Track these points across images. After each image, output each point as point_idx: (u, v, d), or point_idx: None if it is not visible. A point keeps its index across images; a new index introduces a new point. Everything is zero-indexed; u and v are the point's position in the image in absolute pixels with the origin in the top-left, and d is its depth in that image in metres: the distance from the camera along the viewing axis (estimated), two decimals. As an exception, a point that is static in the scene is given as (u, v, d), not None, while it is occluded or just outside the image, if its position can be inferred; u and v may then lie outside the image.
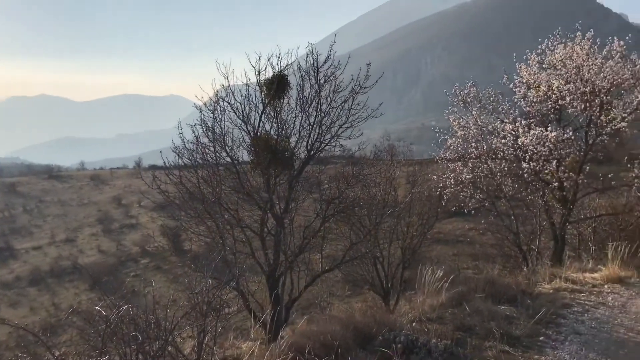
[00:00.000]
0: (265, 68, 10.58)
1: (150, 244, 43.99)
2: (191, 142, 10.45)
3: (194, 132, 10.49)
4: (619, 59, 12.69)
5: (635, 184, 12.96)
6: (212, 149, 10.28)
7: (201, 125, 10.42)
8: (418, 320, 6.73)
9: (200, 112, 10.46)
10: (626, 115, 12.62)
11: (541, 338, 6.36)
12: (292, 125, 10.74)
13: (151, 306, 4.82)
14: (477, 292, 7.76)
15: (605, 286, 9.41)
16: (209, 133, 10.34)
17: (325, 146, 10.89)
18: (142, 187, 11.31)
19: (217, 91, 10.59)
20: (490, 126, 13.29)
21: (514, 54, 13.92)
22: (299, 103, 10.60)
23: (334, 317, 6.59)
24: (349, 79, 10.45)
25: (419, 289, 7.95)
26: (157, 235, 43.35)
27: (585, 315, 7.59)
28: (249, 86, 10.57)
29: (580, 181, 12.79)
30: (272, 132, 10.77)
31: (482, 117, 13.30)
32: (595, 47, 12.88)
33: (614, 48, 12.59)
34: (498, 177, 13.37)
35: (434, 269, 8.00)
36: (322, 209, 11.20)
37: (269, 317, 8.28)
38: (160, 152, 10.86)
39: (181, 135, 10.31)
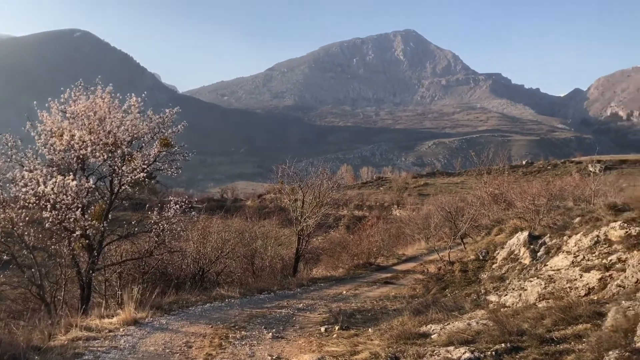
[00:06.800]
0: None
1: None
2: None
3: None
4: (138, 114, 13.87)
5: (154, 229, 14.24)
6: None
7: None
8: None
9: None
10: (145, 166, 13.82)
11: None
12: None
13: None
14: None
15: (121, 329, 9.87)
16: None
17: None
18: None
19: None
20: (9, 174, 12.45)
21: (35, 102, 13.46)
22: None
23: None
24: None
25: None
26: None
27: (95, 362, 7.77)
28: None
29: (104, 229, 13.20)
30: None
31: (-1, 163, 12.34)
32: (117, 101, 13.71)
33: (132, 103, 13.71)
34: (20, 226, 12.57)
35: None
36: None
37: None
38: None
39: None
